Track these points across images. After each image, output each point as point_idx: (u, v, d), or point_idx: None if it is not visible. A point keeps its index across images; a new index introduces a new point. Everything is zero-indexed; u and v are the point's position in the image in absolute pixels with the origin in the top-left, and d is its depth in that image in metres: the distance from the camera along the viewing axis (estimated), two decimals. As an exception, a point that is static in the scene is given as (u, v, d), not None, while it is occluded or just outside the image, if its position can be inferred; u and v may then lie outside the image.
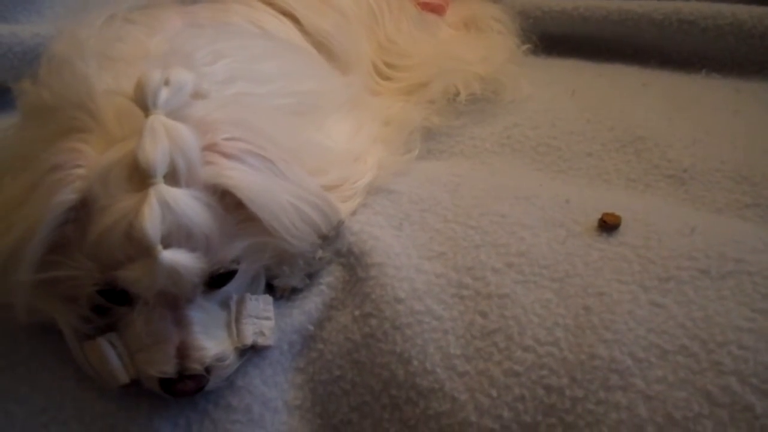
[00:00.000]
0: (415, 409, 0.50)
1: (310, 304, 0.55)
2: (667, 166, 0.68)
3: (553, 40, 0.93)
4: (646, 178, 0.67)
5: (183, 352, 0.48)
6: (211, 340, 0.49)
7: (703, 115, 0.76)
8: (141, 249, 0.44)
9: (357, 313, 0.53)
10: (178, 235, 0.45)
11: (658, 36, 0.92)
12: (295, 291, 0.55)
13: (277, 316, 0.53)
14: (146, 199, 0.43)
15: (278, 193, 0.49)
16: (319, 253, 0.55)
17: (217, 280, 0.49)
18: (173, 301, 0.48)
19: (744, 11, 0.90)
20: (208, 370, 0.48)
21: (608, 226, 0.55)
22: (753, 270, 0.50)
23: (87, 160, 0.46)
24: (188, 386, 0.48)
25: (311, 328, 0.54)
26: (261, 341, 0.51)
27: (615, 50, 0.95)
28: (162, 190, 0.44)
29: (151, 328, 0.48)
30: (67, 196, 0.45)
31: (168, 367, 0.47)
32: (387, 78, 0.79)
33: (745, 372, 0.44)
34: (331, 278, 0.56)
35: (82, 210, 0.46)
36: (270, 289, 0.54)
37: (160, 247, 0.44)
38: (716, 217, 0.61)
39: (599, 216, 0.56)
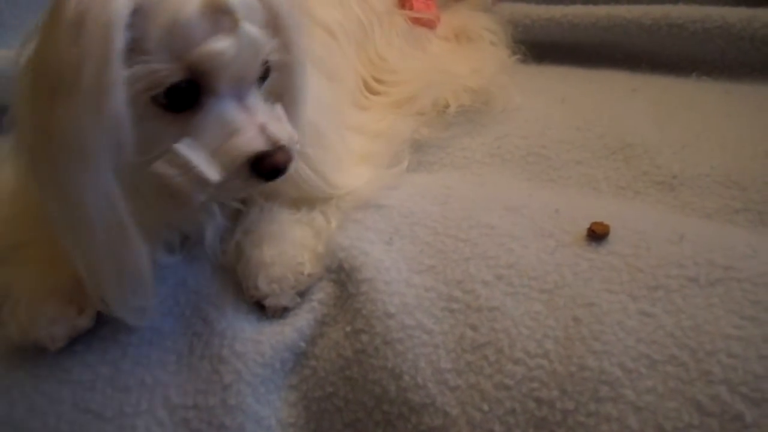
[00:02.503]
0: (407, 424, 0.50)
1: (301, 321, 0.55)
2: (656, 172, 0.68)
3: (543, 48, 0.93)
4: (636, 185, 0.67)
5: (263, 130, 0.49)
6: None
7: (693, 119, 0.77)
8: (222, 21, 0.46)
9: (348, 329, 0.54)
10: (247, 10, 0.47)
11: (647, 41, 0.92)
12: (286, 310, 0.55)
13: (269, 334, 0.54)
14: None
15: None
16: (308, 269, 0.55)
17: (262, 75, 0.51)
18: (238, 91, 0.49)
19: (733, 14, 0.91)
20: None
21: (597, 235, 0.55)
22: (742, 277, 0.50)
23: None
24: (281, 157, 0.49)
25: (303, 345, 0.54)
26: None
27: (605, 56, 0.95)
28: None
29: (228, 118, 0.49)
30: None
31: (259, 143, 0.48)
32: (376, 93, 0.79)
33: (734, 381, 0.44)
34: (322, 295, 0.56)
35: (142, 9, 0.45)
36: (260, 308, 0.54)
37: (241, 14, 0.46)
38: (706, 223, 0.61)
39: (588, 225, 0.56)
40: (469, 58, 0.86)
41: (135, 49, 0.46)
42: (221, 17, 0.46)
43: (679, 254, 0.52)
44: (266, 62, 0.51)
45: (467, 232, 0.58)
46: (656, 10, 0.92)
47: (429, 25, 0.92)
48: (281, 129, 0.50)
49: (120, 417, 0.51)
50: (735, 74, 0.90)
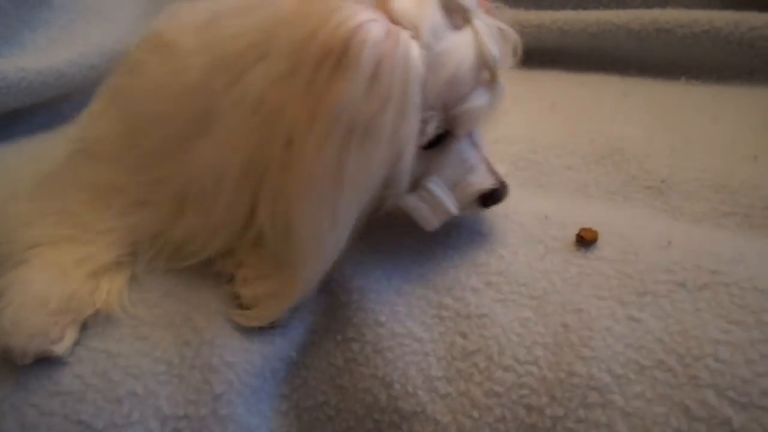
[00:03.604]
0: (398, 432, 0.50)
1: (292, 330, 0.55)
2: (645, 177, 0.68)
3: (533, 54, 0.93)
4: (625, 190, 0.68)
5: (490, 168, 0.55)
6: None
7: (682, 123, 0.77)
8: (486, 74, 0.51)
9: (339, 337, 0.54)
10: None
11: (636, 45, 0.93)
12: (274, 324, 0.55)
13: (260, 343, 0.54)
14: (475, 30, 0.50)
15: None
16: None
17: None
18: (471, 132, 0.54)
19: (720, 18, 0.91)
20: None
21: (585, 241, 0.56)
22: (729, 281, 0.50)
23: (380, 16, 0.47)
24: (505, 191, 0.56)
25: (294, 354, 0.54)
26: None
27: (595, 61, 0.95)
28: (477, 22, 0.50)
29: (465, 156, 0.54)
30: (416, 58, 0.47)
31: (490, 180, 0.55)
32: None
33: (722, 385, 0.44)
34: (313, 303, 0.56)
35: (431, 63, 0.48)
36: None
37: (500, 70, 0.51)
38: (694, 227, 0.61)
39: (577, 231, 0.56)
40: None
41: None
42: (484, 71, 0.51)
43: (667, 259, 0.53)
44: None
45: (456, 239, 0.58)
46: (645, 15, 0.93)
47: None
48: (498, 163, 0.56)
49: (111, 428, 0.51)
50: (724, 77, 0.91)
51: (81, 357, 0.54)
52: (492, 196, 0.55)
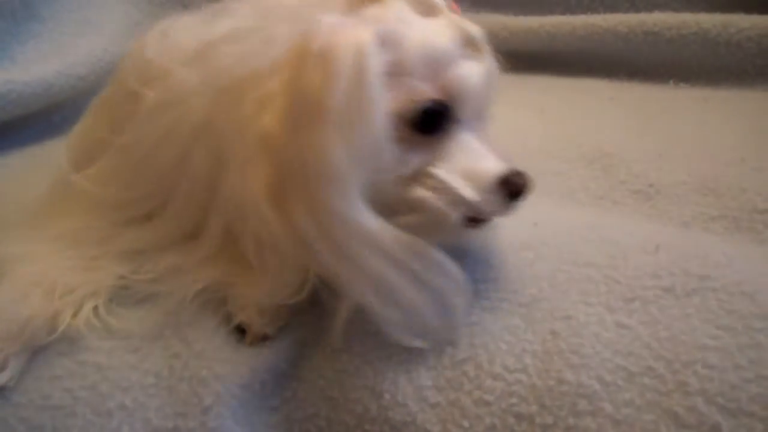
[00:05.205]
0: (389, 443, 0.50)
1: (281, 343, 0.55)
2: (633, 181, 0.68)
3: (522, 59, 0.94)
4: (613, 195, 0.68)
5: (500, 156, 0.52)
6: None
7: (670, 126, 0.77)
8: (467, 52, 0.50)
9: (328, 349, 0.53)
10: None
11: (624, 49, 0.94)
12: (266, 338, 0.55)
13: (249, 356, 0.53)
14: (444, 16, 0.50)
15: None
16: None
17: None
18: (474, 124, 0.52)
19: (708, 20, 0.92)
20: None
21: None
22: (717, 286, 0.50)
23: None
24: (523, 178, 0.51)
25: (284, 366, 0.54)
26: None
27: (583, 64, 0.96)
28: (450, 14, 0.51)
29: (473, 144, 0.51)
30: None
31: (502, 166, 0.50)
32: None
33: (710, 391, 0.44)
34: (301, 316, 0.56)
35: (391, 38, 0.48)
36: (240, 332, 0.54)
37: (485, 46, 0.51)
38: (682, 231, 0.62)
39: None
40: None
41: (394, 72, 0.48)
42: (470, 49, 0.50)
43: (655, 264, 0.53)
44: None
45: (444, 248, 0.58)
46: (632, 18, 0.93)
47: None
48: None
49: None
50: (712, 80, 0.91)
51: (71, 371, 0.54)
52: (512, 181, 0.50)
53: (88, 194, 0.60)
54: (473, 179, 0.50)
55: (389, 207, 0.49)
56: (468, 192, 0.49)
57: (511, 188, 0.50)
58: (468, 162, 0.50)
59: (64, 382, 0.53)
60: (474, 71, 0.50)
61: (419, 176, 0.50)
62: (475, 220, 0.51)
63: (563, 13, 1.00)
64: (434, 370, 0.51)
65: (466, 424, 0.48)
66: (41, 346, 0.55)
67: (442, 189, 0.50)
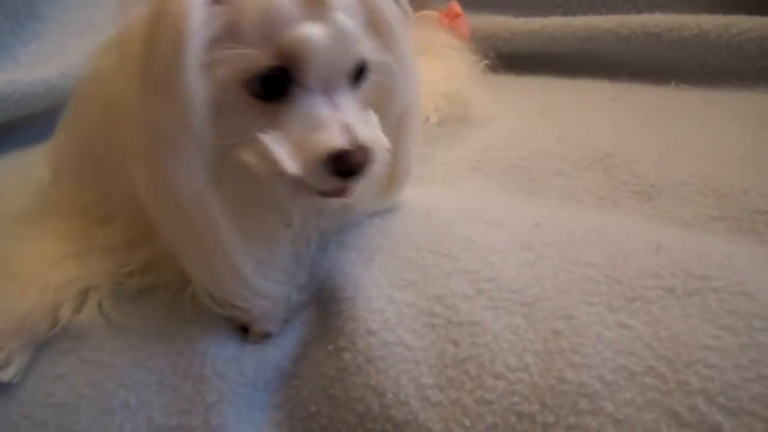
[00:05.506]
0: (390, 441, 0.50)
1: (284, 341, 0.55)
2: (634, 182, 0.68)
3: (524, 60, 0.95)
4: (615, 195, 0.68)
5: (347, 128, 0.48)
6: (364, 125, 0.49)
7: (671, 127, 0.78)
8: (315, 11, 0.46)
9: (331, 347, 0.54)
10: (341, 2, 0.47)
11: (625, 50, 0.94)
12: (268, 336, 0.55)
13: (252, 354, 0.54)
14: None
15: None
16: (294, 296, 0.55)
17: (356, 74, 0.50)
18: (329, 88, 0.48)
19: (708, 21, 0.92)
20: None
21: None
22: (718, 286, 0.50)
23: None
24: (360, 157, 0.47)
25: (286, 364, 0.54)
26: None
27: (584, 66, 0.96)
28: None
29: (314, 112, 0.47)
30: None
31: (341, 139, 0.47)
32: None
33: (711, 391, 0.44)
34: (304, 314, 0.56)
35: None
36: (243, 331, 0.55)
37: (333, 4, 0.46)
38: (683, 232, 0.62)
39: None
40: (439, 68, 0.87)
41: (227, 35, 0.46)
42: (314, 8, 0.46)
43: (656, 265, 0.53)
44: (362, 61, 0.50)
45: (448, 247, 0.58)
46: (633, 20, 0.94)
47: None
48: (368, 131, 0.49)
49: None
50: (714, 81, 0.91)
51: (75, 368, 0.54)
52: (342, 160, 0.47)
53: (61, 201, 0.60)
54: (303, 150, 0.47)
55: (235, 172, 0.49)
56: (288, 164, 0.47)
57: (343, 165, 0.47)
58: (303, 132, 0.47)
59: (68, 379, 0.54)
60: (315, 33, 0.46)
61: (251, 142, 0.48)
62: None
63: (564, 14, 1.01)
64: (436, 368, 0.51)
65: (467, 422, 0.48)
66: (45, 344, 0.55)
67: (265, 157, 0.47)
